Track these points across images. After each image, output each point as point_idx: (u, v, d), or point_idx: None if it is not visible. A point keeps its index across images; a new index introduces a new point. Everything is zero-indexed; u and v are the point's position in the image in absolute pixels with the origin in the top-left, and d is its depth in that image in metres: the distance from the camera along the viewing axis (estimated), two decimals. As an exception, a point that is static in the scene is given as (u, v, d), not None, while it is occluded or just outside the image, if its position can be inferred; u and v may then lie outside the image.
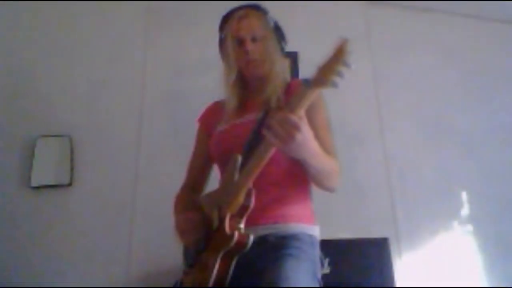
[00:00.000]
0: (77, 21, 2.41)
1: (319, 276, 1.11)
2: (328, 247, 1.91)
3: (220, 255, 1.03)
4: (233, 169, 1.08)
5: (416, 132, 2.51)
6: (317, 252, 1.14)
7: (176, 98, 2.35)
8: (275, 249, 1.06)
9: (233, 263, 1.04)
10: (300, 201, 1.17)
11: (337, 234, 2.06)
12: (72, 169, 2.10)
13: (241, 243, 1.02)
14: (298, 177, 1.18)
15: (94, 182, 2.12)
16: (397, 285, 2.00)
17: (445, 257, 2.28)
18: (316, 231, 1.17)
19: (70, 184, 2.08)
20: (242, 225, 1.05)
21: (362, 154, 2.39)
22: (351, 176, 2.33)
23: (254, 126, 1.15)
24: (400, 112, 2.54)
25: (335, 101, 2.39)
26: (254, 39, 1.21)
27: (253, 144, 1.08)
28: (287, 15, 2.50)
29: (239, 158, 1.08)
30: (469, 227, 2.39)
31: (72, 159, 2.11)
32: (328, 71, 0.89)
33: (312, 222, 1.17)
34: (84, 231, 2.04)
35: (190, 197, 1.29)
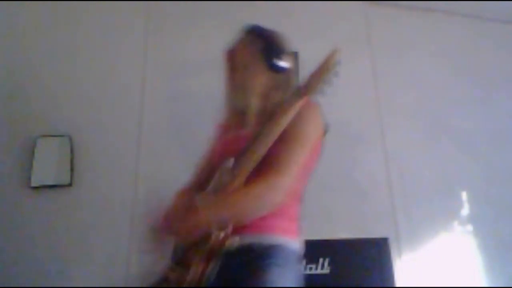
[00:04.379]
0: (77, 21, 2.41)
1: (301, 286, 1.13)
2: (328, 247, 1.94)
3: (203, 254, 1.05)
4: (224, 169, 1.12)
5: (416, 132, 2.51)
6: (298, 264, 1.15)
7: (176, 98, 2.35)
8: (260, 257, 1.08)
9: (214, 263, 1.05)
10: (287, 215, 1.17)
11: (337, 234, 2.07)
12: (72, 169, 2.10)
13: (220, 243, 1.03)
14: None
15: (94, 182, 2.12)
16: (397, 285, 2.00)
17: (445, 257, 2.28)
18: (299, 246, 1.18)
19: (70, 184, 2.08)
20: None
21: (362, 154, 2.39)
22: (351, 176, 2.33)
23: (247, 142, 1.18)
24: (400, 112, 2.54)
25: (335, 101, 2.41)
26: (243, 67, 1.29)
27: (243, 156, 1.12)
28: (287, 15, 2.52)
29: (230, 164, 1.12)
30: (469, 227, 2.39)
31: (72, 159, 2.11)
32: (317, 79, 0.98)
33: (296, 237, 1.18)
34: (84, 231, 2.04)
35: (190, 194, 1.30)
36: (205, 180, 1.32)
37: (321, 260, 1.90)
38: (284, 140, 1.10)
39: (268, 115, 1.14)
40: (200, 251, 1.05)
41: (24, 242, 1.98)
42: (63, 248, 2.00)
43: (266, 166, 1.08)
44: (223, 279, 1.06)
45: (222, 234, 1.03)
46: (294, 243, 1.15)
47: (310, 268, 1.87)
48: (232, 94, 1.33)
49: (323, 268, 1.88)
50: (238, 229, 1.07)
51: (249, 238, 1.10)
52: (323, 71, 0.98)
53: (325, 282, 1.86)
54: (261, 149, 1.06)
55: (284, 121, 1.07)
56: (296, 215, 1.21)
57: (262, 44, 1.27)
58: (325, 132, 1.23)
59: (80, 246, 2.01)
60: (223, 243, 1.03)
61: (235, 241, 1.04)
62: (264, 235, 1.11)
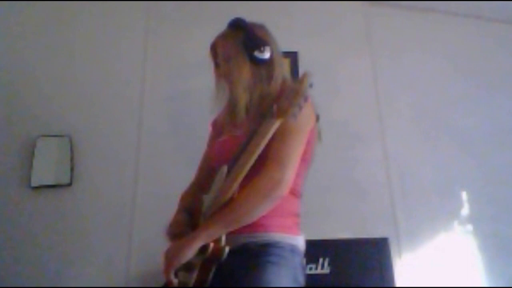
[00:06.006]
0: (77, 21, 2.42)
1: (301, 280, 1.13)
2: (328, 247, 1.94)
3: (199, 261, 1.06)
4: (219, 180, 1.13)
5: (416, 132, 2.51)
6: (298, 259, 1.14)
7: (176, 98, 2.35)
8: (256, 256, 1.08)
9: (212, 270, 1.07)
10: (283, 213, 1.17)
11: (337, 234, 2.06)
12: (72, 169, 2.10)
13: (216, 254, 1.05)
14: None
15: (94, 182, 2.13)
16: (397, 285, 2.00)
17: (445, 257, 2.28)
18: (298, 241, 1.17)
19: (70, 184, 2.08)
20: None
21: (362, 154, 2.39)
22: (351, 176, 2.33)
23: (242, 141, 1.16)
24: (400, 112, 2.54)
25: (335, 101, 2.42)
26: (225, 60, 1.30)
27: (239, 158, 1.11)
28: (287, 15, 2.52)
29: (225, 170, 1.12)
30: (469, 227, 2.39)
31: (72, 159, 2.11)
32: (290, 103, 1.02)
33: (294, 233, 1.17)
34: (84, 231, 2.04)
35: (195, 195, 1.31)
36: (205, 182, 1.32)
37: (321, 260, 1.90)
38: (280, 135, 1.11)
39: (256, 111, 1.16)
40: (197, 257, 1.06)
41: (24, 242, 1.98)
42: (63, 248, 2.00)
43: (267, 162, 1.09)
44: (221, 279, 1.07)
45: (212, 245, 1.04)
46: (292, 238, 1.15)
47: (310, 268, 1.87)
48: (218, 87, 1.34)
49: (323, 268, 1.88)
50: (235, 230, 1.08)
51: (245, 238, 1.11)
52: (295, 95, 1.01)
53: (325, 282, 1.86)
54: (251, 160, 1.06)
55: (266, 140, 1.07)
56: (295, 211, 1.21)
57: (242, 37, 1.27)
58: (317, 119, 1.23)
59: (80, 246, 2.02)
60: (217, 253, 1.05)
61: (226, 250, 1.05)
62: (259, 233, 1.11)
